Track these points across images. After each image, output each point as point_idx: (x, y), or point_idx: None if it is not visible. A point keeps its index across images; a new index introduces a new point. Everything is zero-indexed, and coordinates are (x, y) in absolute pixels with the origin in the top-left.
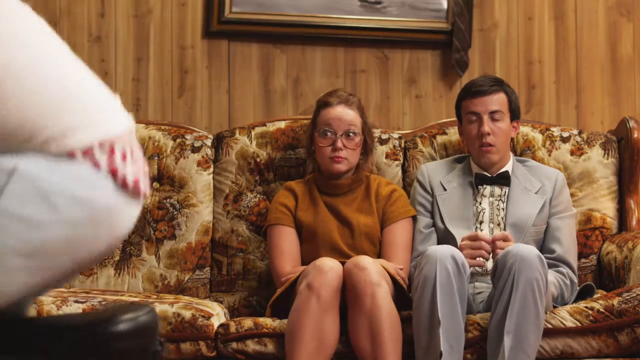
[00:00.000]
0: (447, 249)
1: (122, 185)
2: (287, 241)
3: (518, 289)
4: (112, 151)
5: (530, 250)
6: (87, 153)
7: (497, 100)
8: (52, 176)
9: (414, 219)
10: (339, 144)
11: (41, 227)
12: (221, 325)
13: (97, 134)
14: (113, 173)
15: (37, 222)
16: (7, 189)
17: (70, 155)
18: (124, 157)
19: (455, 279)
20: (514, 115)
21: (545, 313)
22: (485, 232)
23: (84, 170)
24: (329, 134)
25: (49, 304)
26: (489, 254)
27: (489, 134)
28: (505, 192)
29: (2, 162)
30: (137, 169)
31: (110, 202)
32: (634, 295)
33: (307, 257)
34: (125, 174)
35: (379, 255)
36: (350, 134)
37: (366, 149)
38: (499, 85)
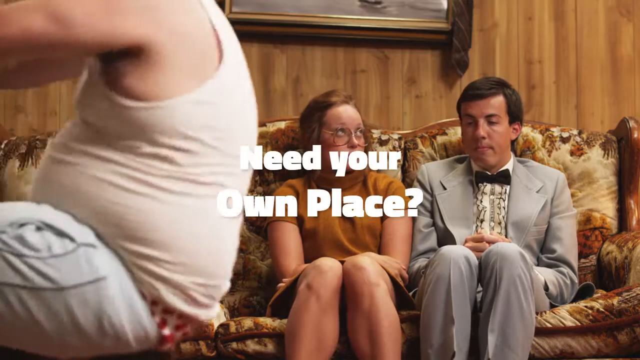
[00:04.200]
0: (461, 250)
1: (158, 343)
2: (290, 238)
3: (501, 286)
4: (182, 327)
5: (512, 248)
6: (166, 312)
7: (494, 104)
8: (121, 311)
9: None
10: (355, 141)
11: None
12: (221, 325)
13: (188, 310)
14: (165, 339)
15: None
16: (82, 289)
17: (153, 301)
18: (183, 332)
19: (467, 280)
20: (514, 117)
21: (544, 312)
22: (485, 231)
23: (147, 320)
24: (343, 132)
25: None
26: None
27: (484, 137)
28: (505, 190)
29: (97, 263)
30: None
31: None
32: (634, 294)
33: (309, 254)
34: (170, 345)
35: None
36: (360, 132)
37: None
38: (498, 87)
